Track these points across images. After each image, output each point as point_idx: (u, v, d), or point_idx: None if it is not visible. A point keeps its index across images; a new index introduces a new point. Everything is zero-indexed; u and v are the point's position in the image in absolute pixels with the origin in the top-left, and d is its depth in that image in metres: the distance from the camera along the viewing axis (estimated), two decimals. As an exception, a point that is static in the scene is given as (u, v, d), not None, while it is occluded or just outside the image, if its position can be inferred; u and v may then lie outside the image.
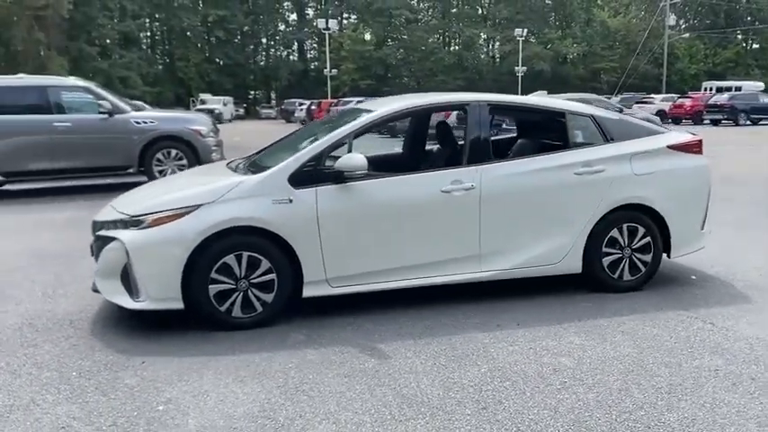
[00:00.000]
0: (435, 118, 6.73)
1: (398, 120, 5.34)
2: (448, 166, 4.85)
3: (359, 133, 4.63)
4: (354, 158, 4.31)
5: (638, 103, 34.78)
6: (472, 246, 4.65)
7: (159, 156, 11.12)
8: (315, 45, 72.04)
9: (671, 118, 32.97)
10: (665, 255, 5.10)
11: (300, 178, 4.37)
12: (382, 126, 4.79)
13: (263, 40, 72.93)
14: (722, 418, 3.11)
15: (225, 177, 4.53)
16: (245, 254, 4.26)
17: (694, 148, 5.20)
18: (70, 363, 3.86)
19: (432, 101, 5.07)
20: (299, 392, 3.42)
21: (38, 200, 10.47)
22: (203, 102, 50.11)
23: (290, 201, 4.31)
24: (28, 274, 5.76)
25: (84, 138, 10.87)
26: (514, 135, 6.12)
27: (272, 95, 71.62)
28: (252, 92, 72.79)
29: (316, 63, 70.70)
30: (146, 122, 11.16)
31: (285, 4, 72.12)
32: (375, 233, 4.49)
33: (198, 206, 4.23)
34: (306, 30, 71.00)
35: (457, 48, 72.57)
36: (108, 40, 57.27)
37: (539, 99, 5.48)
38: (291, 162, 4.42)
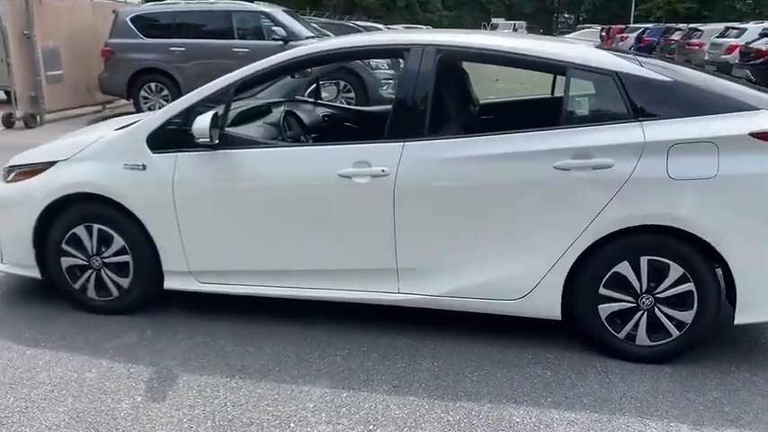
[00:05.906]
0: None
1: (315, 65, 3.95)
2: (366, 138, 3.38)
3: (246, 83, 3.45)
4: (198, 121, 3.19)
5: None
6: (385, 256, 3.23)
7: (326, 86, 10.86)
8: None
9: None
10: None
11: (162, 139, 3.41)
12: (289, 73, 3.57)
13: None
14: None
15: (98, 131, 3.78)
16: (96, 226, 3.53)
17: (813, 139, 2.86)
18: None
19: (359, 42, 3.56)
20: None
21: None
22: (494, 27, 48.85)
23: (144, 167, 3.41)
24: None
25: (260, 63, 11.02)
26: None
27: (579, 20, 66.81)
28: (555, 15, 68.92)
29: (629, -17, 63.65)
30: None
31: None
32: (252, 222, 3.36)
33: (52, 163, 3.59)
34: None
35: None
36: (412, -36, 58.66)
37: (526, 43, 3.32)
38: (155, 118, 3.48)
